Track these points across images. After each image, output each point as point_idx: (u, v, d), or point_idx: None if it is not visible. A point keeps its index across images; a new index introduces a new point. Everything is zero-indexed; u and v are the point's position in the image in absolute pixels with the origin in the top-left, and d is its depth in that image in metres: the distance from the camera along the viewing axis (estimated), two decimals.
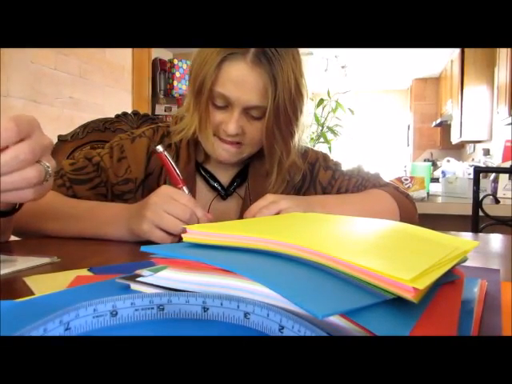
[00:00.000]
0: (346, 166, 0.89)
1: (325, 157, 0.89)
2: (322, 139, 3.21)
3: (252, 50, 0.69)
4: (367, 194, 0.82)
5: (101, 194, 0.79)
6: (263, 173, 0.82)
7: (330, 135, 3.25)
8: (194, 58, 0.75)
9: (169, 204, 0.61)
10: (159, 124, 0.88)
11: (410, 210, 0.82)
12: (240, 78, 0.70)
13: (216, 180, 0.84)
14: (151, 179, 0.82)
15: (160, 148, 0.70)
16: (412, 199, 0.85)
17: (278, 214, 0.65)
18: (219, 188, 0.83)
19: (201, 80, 0.71)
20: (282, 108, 0.72)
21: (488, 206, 1.63)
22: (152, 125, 0.89)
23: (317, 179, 0.86)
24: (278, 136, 0.75)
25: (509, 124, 3.26)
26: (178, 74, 3.94)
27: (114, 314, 0.28)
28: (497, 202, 1.80)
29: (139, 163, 0.81)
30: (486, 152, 3.90)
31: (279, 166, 0.80)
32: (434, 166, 4.28)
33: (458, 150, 5.35)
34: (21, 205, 0.56)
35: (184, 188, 0.70)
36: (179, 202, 0.61)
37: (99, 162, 0.79)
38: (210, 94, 0.71)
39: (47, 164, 0.45)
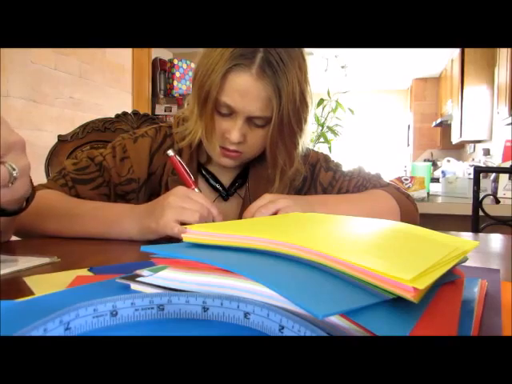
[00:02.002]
0: (346, 167, 0.89)
1: (325, 158, 0.89)
2: (322, 139, 3.21)
3: (257, 61, 0.69)
4: (368, 194, 0.82)
5: (103, 193, 0.79)
6: (263, 174, 0.82)
7: (330, 135, 3.26)
8: (197, 66, 0.75)
9: (186, 202, 0.63)
10: (161, 124, 0.88)
11: (410, 211, 0.81)
12: (245, 88, 0.70)
13: (218, 181, 0.84)
14: (154, 179, 0.82)
15: (171, 152, 0.72)
16: (413, 200, 0.84)
17: (276, 213, 0.65)
18: (221, 189, 0.83)
19: (206, 90, 0.71)
20: (286, 120, 0.72)
21: (488, 205, 1.63)
22: (154, 124, 0.89)
23: (317, 180, 0.86)
24: (282, 147, 0.76)
25: (509, 124, 3.26)
26: (178, 74, 3.93)
27: (114, 313, 0.28)
28: (497, 201, 1.80)
29: (142, 163, 0.81)
30: (486, 152, 3.90)
31: (281, 174, 0.80)
32: (434, 165, 4.28)
33: (458, 150, 5.35)
34: (27, 205, 0.56)
35: (196, 189, 0.71)
36: (196, 201, 0.64)
37: (102, 161, 0.79)
38: (215, 104, 0.72)
39: (12, 165, 0.43)
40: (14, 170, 0.43)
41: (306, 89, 0.74)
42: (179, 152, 0.82)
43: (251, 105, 0.71)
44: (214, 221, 0.65)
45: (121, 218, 0.68)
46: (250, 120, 0.73)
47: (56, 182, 0.78)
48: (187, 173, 0.72)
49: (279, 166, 0.79)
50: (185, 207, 0.63)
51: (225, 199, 0.84)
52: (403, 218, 0.78)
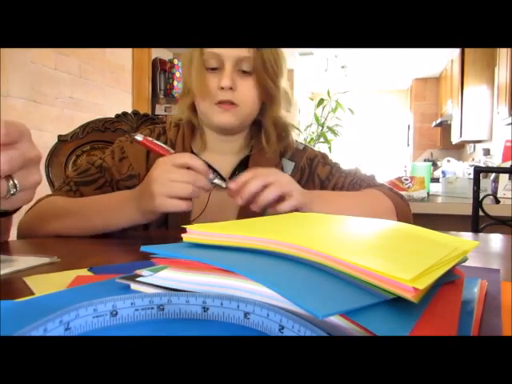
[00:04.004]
0: (345, 166, 0.92)
1: (323, 155, 0.93)
2: (322, 139, 3.21)
3: None
4: (364, 193, 0.83)
5: (107, 193, 0.80)
6: (264, 163, 0.83)
7: (330, 135, 3.26)
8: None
9: (171, 172, 0.62)
10: (156, 126, 0.91)
11: (405, 210, 0.82)
12: None
13: (214, 170, 0.84)
14: None
15: (139, 137, 0.69)
16: (406, 200, 0.85)
17: (266, 186, 0.65)
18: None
19: (191, 48, 0.78)
20: (267, 60, 0.78)
21: (488, 205, 1.63)
22: (149, 126, 0.91)
23: (315, 173, 0.88)
24: (271, 85, 0.81)
25: (509, 124, 3.26)
26: (177, 74, 3.93)
27: (113, 314, 0.28)
28: (497, 201, 1.80)
29: (140, 160, 0.83)
30: (486, 152, 3.90)
31: (274, 122, 0.85)
32: (434, 165, 4.28)
33: (458, 150, 5.35)
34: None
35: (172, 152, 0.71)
36: (179, 167, 0.63)
37: (101, 163, 0.82)
38: (201, 59, 0.78)
39: (15, 181, 0.43)
40: (15, 187, 0.43)
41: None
42: (172, 145, 0.84)
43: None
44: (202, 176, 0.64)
45: (121, 204, 0.69)
46: (237, 66, 0.78)
47: (61, 190, 0.80)
48: (161, 146, 0.70)
49: (269, 110, 0.84)
50: (172, 179, 0.62)
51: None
52: (399, 218, 0.79)
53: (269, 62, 0.79)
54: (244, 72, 0.79)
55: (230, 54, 0.77)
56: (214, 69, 0.78)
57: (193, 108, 0.85)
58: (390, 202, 0.80)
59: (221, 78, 0.77)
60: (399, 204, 0.81)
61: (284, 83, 0.85)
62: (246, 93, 0.80)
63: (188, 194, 0.62)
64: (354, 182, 0.87)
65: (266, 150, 0.85)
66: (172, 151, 0.70)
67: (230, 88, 0.77)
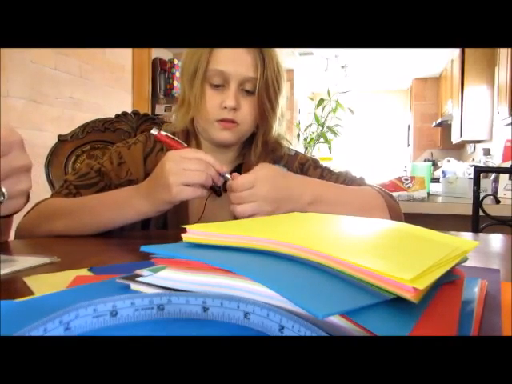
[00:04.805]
0: (345, 167, 0.92)
1: (314, 160, 0.95)
2: (322, 139, 3.21)
3: None
4: (358, 188, 0.84)
5: None
6: None
7: (330, 135, 3.26)
8: (185, 53, 0.82)
9: (183, 163, 0.65)
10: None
11: (396, 208, 0.83)
12: (234, 54, 0.77)
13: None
14: None
15: (154, 131, 0.73)
16: (396, 200, 0.86)
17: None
18: (214, 184, 0.85)
19: (195, 63, 0.78)
20: (270, 81, 0.80)
21: (488, 205, 1.63)
22: (145, 131, 0.93)
23: (306, 175, 0.89)
24: (268, 107, 0.82)
25: (509, 124, 3.26)
26: (178, 74, 3.93)
27: (113, 313, 0.28)
28: (497, 202, 1.80)
29: (138, 166, 0.84)
30: (487, 152, 3.90)
31: (266, 140, 0.87)
32: (435, 165, 4.28)
33: (458, 150, 5.35)
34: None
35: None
36: (190, 158, 0.66)
37: (100, 168, 0.82)
38: (205, 75, 0.78)
39: (2, 190, 0.44)
40: (2, 195, 0.44)
41: (280, 62, 0.83)
42: (167, 150, 0.84)
43: (242, 66, 0.77)
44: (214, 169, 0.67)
45: (129, 199, 0.70)
46: (241, 85, 0.79)
47: (60, 193, 0.80)
48: (177, 141, 0.73)
49: (264, 126, 0.85)
50: (186, 168, 0.64)
51: (218, 195, 0.85)
52: (391, 216, 0.79)
53: (271, 83, 0.80)
54: (247, 92, 0.80)
55: (235, 74, 0.77)
56: (217, 86, 0.79)
57: (191, 119, 0.85)
58: (382, 199, 0.81)
59: (225, 98, 0.78)
60: (391, 202, 0.82)
61: (282, 102, 0.86)
62: (248, 112, 0.81)
63: (202, 181, 0.65)
64: (345, 183, 0.88)
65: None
66: (185, 145, 0.73)
67: (234, 108, 0.78)
